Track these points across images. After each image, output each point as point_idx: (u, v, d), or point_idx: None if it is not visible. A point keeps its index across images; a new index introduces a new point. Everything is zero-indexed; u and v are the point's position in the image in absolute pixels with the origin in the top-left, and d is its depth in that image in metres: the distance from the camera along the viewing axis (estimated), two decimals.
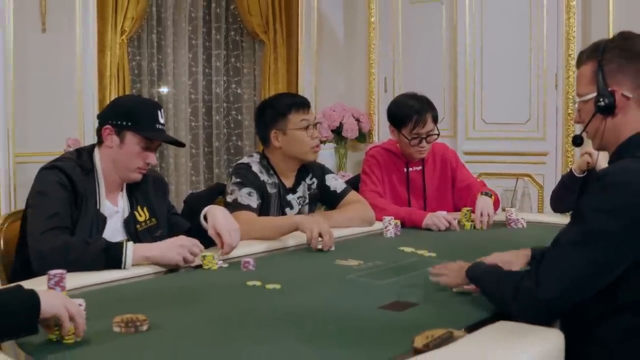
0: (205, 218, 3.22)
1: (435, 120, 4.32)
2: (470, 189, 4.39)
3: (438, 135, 4.36)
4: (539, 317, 2.09)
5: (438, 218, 4.00)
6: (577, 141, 2.53)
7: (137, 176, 3.22)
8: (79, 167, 3.10)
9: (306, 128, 3.88)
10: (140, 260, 2.88)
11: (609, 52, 2.29)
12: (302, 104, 3.95)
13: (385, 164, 4.40)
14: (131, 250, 2.85)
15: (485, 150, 6.78)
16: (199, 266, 3.00)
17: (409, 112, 4.27)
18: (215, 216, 3.18)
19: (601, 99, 2.28)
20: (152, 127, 3.16)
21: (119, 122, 3.14)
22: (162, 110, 3.24)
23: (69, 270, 2.54)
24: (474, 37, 6.87)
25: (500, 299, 2.23)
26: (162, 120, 3.20)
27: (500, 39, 6.76)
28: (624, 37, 2.33)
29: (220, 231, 3.13)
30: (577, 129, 6.04)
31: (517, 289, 2.13)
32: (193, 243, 2.97)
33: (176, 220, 3.45)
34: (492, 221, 4.08)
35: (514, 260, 2.66)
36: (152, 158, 3.20)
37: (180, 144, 3.55)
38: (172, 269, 2.95)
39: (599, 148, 2.41)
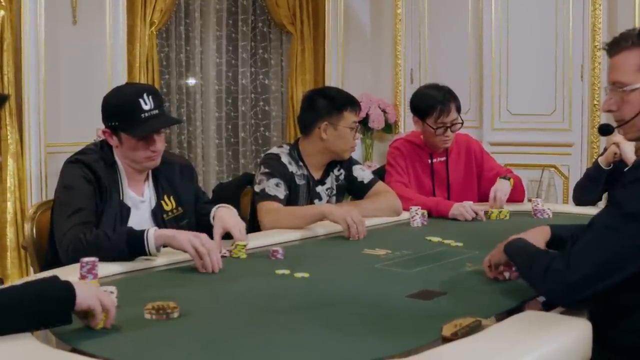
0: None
1: (458, 109, 4.33)
2: (497, 178, 4.40)
3: (462, 124, 4.37)
4: (567, 298, 2.09)
5: (465, 208, 4.02)
6: (609, 129, 2.48)
7: (150, 164, 3.20)
8: (101, 159, 3.12)
9: (353, 129, 3.92)
10: (158, 239, 2.82)
11: None
12: (357, 105, 4.00)
13: (409, 155, 4.41)
14: (152, 237, 2.81)
15: (511, 141, 6.77)
16: (225, 256, 3.00)
17: (433, 102, 4.28)
18: (223, 218, 3.15)
19: None
20: (139, 120, 3.06)
21: (110, 124, 3.12)
22: (147, 94, 3.11)
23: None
24: (500, 28, 6.87)
25: (531, 277, 2.22)
26: (147, 107, 3.07)
27: (526, 30, 6.75)
28: None
29: (231, 230, 3.09)
30: (603, 119, 6.07)
31: (547, 269, 2.11)
32: (210, 242, 2.86)
33: (208, 209, 3.34)
34: (504, 204, 4.12)
35: (532, 241, 2.60)
36: (156, 145, 3.14)
37: (178, 121, 3.56)
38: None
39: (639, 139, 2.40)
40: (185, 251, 2.81)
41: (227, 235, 3.11)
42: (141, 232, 2.84)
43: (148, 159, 3.16)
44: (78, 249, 2.77)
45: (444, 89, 4.38)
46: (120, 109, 3.10)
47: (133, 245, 2.81)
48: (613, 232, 2.07)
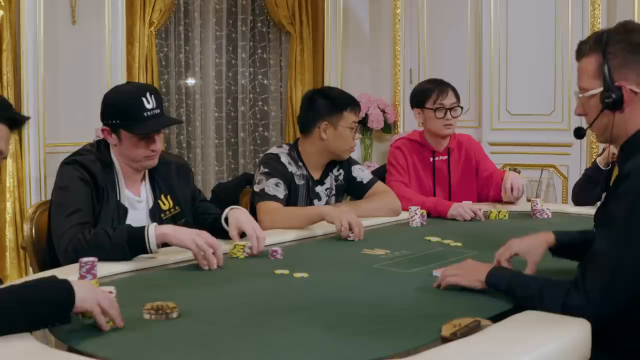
0: (226, 220, 3.21)
1: (457, 96, 4.41)
2: (492, 178, 4.44)
3: (462, 109, 4.44)
4: (593, 327, 2.06)
5: (463, 208, 4.02)
6: (580, 133, 2.49)
7: (149, 163, 3.21)
8: (98, 160, 3.11)
9: (353, 129, 3.93)
10: (159, 237, 2.83)
11: (614, 46, 2.23)
12: (357, 105, 4.02)
13: (410, 154, 4.43)
14: (153, 235, 2.82)
15: (510, 141, 6.78)
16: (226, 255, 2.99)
17: (429, 88, 4.40)
18: (238, 218, 3.16)
19: (608, 95, 2.23)
20: (141, 118, 3.09)
21: (110, 122, 3.12)
22: (149, 93, 3.13)
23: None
24: (499, 28, 6.87)
25: (544, 308, 2.13)
26: (149, 105, 3.10)
27: (525, 30, 6.76)
28: (627, 29, 2.26)
29: (245, 229, 3.11)
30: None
31: (565, 306, 2.09)
32: (213, 239, 2.87)
33: (205, 207, 3.43)
34: (523, 194, 4.12)
35: (533, 249, 2.57)
36: (155, 145, 3.16)
37: (178, 122, 3.56)
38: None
39: (606, 142, 2.37)
40: (187, 248, 2.82)
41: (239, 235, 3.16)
42: (141, 229, 2.84)
43: (147, 158, 3.17)
44: (78, 249, 2.77)
45: (440, 80, 4.49)
46: (123, 107, 3.10)
47: (134, 243, 2.82)
48: (618, 250, 2.08)
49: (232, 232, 3.14)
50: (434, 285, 2.48)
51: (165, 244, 2.90)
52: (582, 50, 2.32)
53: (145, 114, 3.09)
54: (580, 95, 2.35)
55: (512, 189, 4.15)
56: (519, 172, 4.26)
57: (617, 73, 2.23)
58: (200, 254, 2.79)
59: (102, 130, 3.16)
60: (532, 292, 2.18)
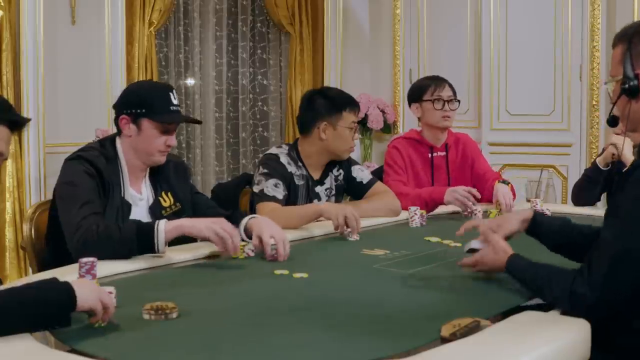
0: (245, 229, 3.17)
1: (453, 90, 4.47)
2: (485, 178, 4.46)
3: (459, 102, 4.50)
4: (595, 316, 2.08)
5: (458, 192, 4.06)
6: (611, 122, 2.51)
7: (160, 159, 3.23)
8: (102, 155, 3.12)
9: (352, 129, 3.93)
10: (172, 231, 2.85)
11: (638, 35, 2.27)
12: (357, 105, 4.02)
13: (407, 152, 4.45)
14: (162, 230, 2.83)
15: (510, 141, 6.78)
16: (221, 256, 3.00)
17: (426, 83, 4.48)
18: (262, 228, 3.08)
19: (626, 81, 2.27)
20: (167, 110, 3.16)
21: (133, 111, 3.14)
22: (174, 91, 3.24)
23: (102, 258, 2.56)
24: (499, 29, 6.86)
25: (553, 298, 2.19)
26: (175, 102, 3.20)
27: (525, 30, 6.75)
28: None
29: (263, 237, 3.03)
30: (602, 119, 6.08)
31: (572, 293, 2.11)
32: (229, 225, 2.89)
33: (198, 200, 3.44)
34: (513, 208, 4.10)
35: (506, 223, 2.66)
36: (172, 140, 3.23)
37: (197, 122, 3.59)
38: (208, 256, 2.98)
39: (628, 130, 2.41)
40: (205, 238, 2.88)
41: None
42: (151, 224, 2.86)
43: (161, 152, 3.21)
44: (87, 241, 2.78)
45: (437, 75, 4.58)
46: (151, 98, 3.16)
47: (142, 238, 2.83)
48: (623, 240, 2.09)
49: (255, 241, 3.08)
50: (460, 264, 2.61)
51: (171, 243, 2.92)
52: (614, 40, 2.37)
53: (171, 107, 3.19)
54: (607, 82, 2.41)
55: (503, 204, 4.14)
56: (507, 184, 4.25)
57: (638, 61, 2.26)
58: (220, 242, 2.85)
59: (120, 119, 3.18)
60: (542, 277, 2.24)
